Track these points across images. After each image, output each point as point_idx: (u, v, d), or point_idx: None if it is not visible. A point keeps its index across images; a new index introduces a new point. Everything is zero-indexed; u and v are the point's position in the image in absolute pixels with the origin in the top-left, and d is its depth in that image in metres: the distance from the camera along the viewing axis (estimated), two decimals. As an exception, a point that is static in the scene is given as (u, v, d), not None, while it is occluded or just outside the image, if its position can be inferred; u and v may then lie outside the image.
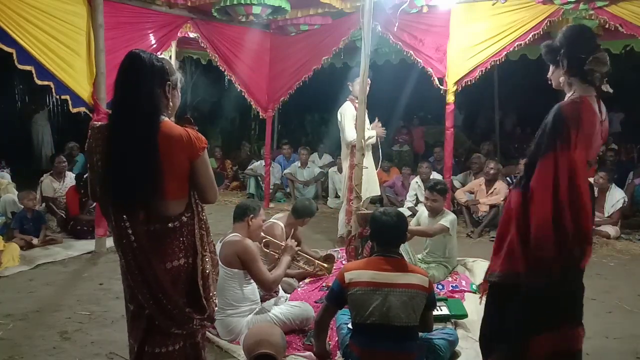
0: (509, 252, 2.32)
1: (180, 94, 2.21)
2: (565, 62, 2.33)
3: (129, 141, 1.96)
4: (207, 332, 3.30)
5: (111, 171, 2.00)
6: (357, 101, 5.26)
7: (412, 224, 4.69)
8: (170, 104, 2.12)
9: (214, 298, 2.18)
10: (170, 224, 2.06)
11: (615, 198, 6.17)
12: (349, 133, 5.28)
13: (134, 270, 2.03)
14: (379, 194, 6.01)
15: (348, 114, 5.39)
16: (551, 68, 2.43)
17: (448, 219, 4.27)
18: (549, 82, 2.47)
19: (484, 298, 2.54)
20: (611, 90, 2.32)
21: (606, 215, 6.18)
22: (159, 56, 2.16)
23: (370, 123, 5.48)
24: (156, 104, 2.02)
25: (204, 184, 2.10)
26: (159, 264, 2.03)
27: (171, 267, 2.06)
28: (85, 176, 5.96)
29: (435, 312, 2.98)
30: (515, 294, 2.29)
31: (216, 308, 2.22)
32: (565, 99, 2.35)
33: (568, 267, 2.25)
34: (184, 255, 2.09)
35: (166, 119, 2.07)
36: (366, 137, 5.22)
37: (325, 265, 4.21)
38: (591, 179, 6.13)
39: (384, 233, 2.72)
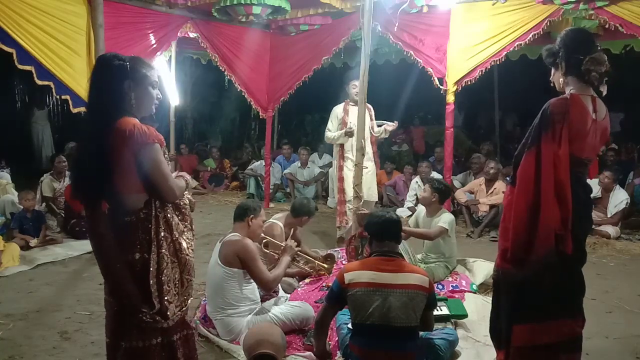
0: (501, 247, 2.45)
1: (152, 92, 2.19)
2: (564, 63, 2.41)
3: (86, 139, 2.10)
4: (207, 332, 3.33)
5: (74, 167, 2.22)
6: (350, 103, 5.32)
7: (410, 222, 4.70)
8: (133, 101, 2.11)
9: (171, 299, 2.17)
10: (127, 218, 2.12)
11: (619, 199, 6.16)
12: (326, 133, 5.43)
13: (97, 258, 2.14)
14: (376, 200, 5.97)
15: (332, 114, 5.47)
16: (552, 71, 2.51)
17: (446, 220, 4.26)
18: (552, 85, 2.54)
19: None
20: (605, 92, 2.39)
21: (609, 215, 6.17)
22: (128, 56, 2.16)
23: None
24: (108, 102, 2.06)
25: (154, 181, 2.09)
26: (120, 254, 2.10)
27: (127, 259, 2.12)
28: None
29: (435, 312, 2.98)
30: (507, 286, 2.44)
31: (177, 311, 2.21)
32: None
33: (549, 258, 2.30)
34: (139, 251, 2.13)
35: (129, 117, 2.07)
36: (375, 131, 5.34)
37: (325, 265, 4.20)
38: (595, 180, 6.15)
39: (379, 226, 2.75)
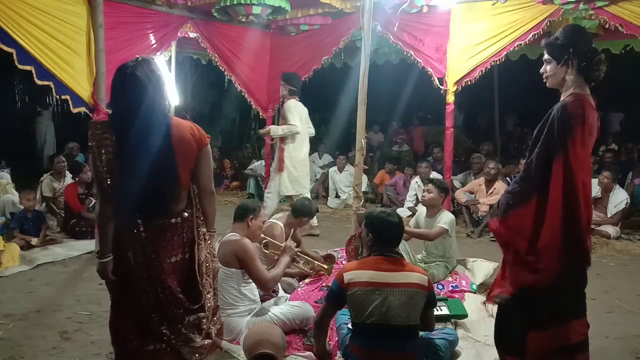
0: (515, 271, 2.38)
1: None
2: (576, 61, 2.33)
3: (150, 150, 2.11)
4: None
5: (134, 180, 2.12)
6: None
7: (411, 224, 4.70)
8: (168, 103, 2.27)
9: (207, 288, 2.34)
10: (173, 220, 2.22)
11: (619, 199, 6.15)
12: None
13: (140, 264, 2.18)
14: (296, 193, 5.98)
15: None
16: (552, 65, 2.40)
17: (447, 220, 4.27)
18: (544, 79, 2.46)
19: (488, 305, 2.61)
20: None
21: (609, 215, 6.17)
22: (149, 57, 2.24)
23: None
24: (165, 112, 2.20)
25: (207, 171, 2.30)
26: (165, 259, 2.20)
27: (173, 261, 2.23)
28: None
29: (435, 312, 2.97)
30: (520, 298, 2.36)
31: (209, 297, 2.33)
32: (563, 97, 2.36)
33: (577, 263, 2.31)
34: (182, 252, 2.26)
35: (171, 116, 2.24)
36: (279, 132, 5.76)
37: (325, 266, 4.19)
38: (594, 180, 6.14)
39: (386, 233, 2.72)
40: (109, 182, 2.14)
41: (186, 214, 2.24)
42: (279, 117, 6.07)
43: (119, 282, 2.26)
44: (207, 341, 2.35)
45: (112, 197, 2.16)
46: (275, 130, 5.90)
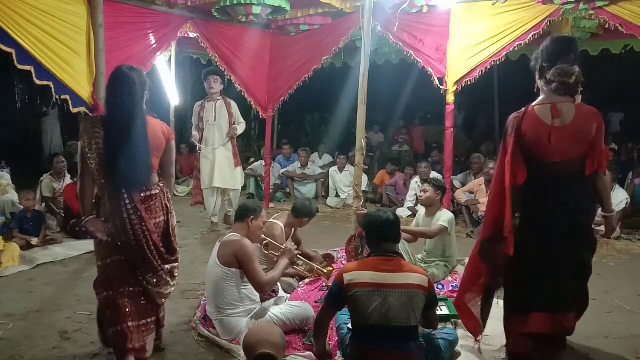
0: None
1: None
2: (538, 68, 2.63)
3: (132, 140, 2.68)
4: (207, 332, 3.33)
5: (121, 162, 2.66)
6: (207, 100, 6.04)
7: (412, 225, 4.70)
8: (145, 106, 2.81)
9: (177, 246, 3.05)
10: (154, 191, 2.86)
11: (619, 199, 6.13)
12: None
13: (128, 230, 2.73)
14: (235, 188, 6.18)
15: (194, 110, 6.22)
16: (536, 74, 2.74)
17: (446, 218, 4.28)
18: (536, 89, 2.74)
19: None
20: (578, 101, 2.54)
21: (609, 215, 6.17)
22: (139, 68, 2.86)
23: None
24: (144, 113, 2.78)
25: (171, 159, 3.02)
26: (149, 221, 2.78)
27: (155, 222, 2.84)
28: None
29: (435, 312, 2.97)
30: None
31: (179, 254, 3.05)
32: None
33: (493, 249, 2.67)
34: (163, 214, 2.90)
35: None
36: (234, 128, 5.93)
37: (325, 271, 4.14)
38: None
39: (379, 230, 2.73)
40: (93, 166, 2.70)
41: (162, 184, 2.91)
42: (216, 114, 6.02)
43: (108, 247, 2.80)
44: (172, 289, 3.02)
45: (98, 177, 2.73)
46: (239, 129, 6.11)
